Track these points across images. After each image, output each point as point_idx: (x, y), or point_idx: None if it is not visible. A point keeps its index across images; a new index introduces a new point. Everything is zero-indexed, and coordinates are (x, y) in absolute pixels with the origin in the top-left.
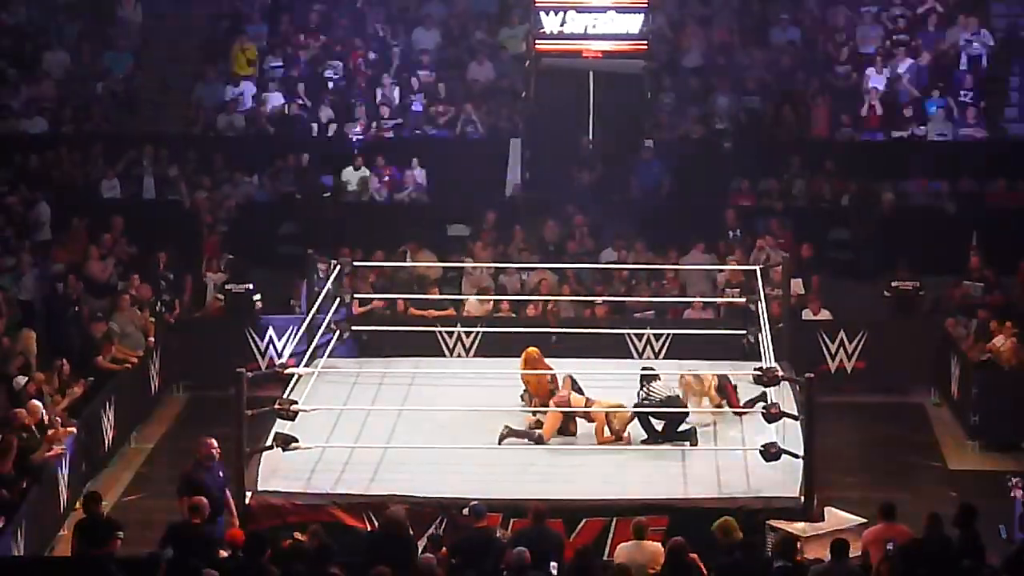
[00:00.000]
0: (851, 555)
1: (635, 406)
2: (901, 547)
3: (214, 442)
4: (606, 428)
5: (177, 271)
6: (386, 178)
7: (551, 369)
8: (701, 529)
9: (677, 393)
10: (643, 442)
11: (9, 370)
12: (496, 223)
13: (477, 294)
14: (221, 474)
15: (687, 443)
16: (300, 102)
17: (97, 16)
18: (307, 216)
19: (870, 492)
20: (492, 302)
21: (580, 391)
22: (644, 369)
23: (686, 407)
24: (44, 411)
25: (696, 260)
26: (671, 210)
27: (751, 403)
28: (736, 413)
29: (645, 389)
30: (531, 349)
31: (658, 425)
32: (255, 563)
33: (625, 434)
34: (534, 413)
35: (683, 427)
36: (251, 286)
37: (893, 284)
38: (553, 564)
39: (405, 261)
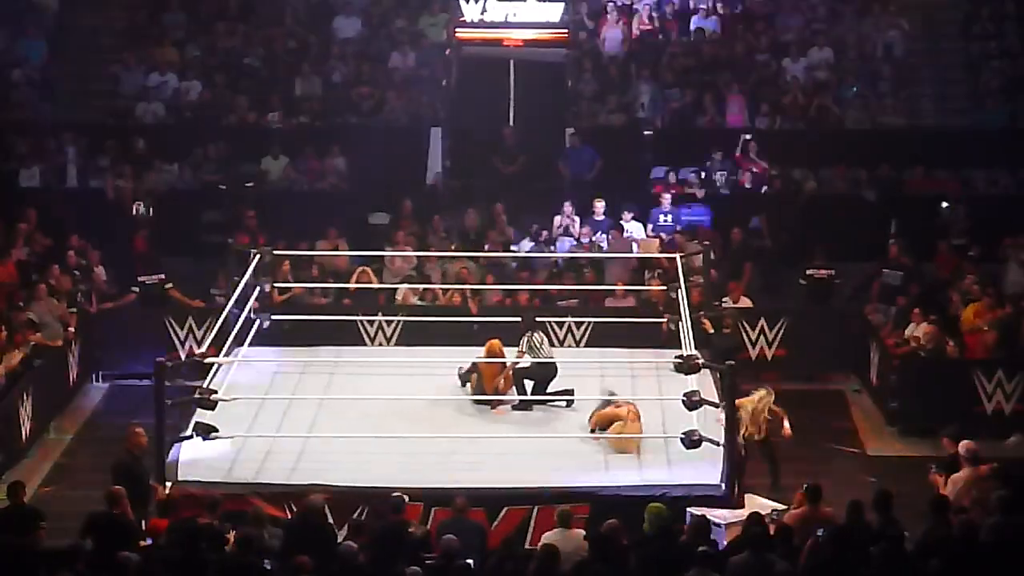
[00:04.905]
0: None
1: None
2: (830, 533)
3: (143, 431)
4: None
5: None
6: (306, 167)
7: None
8: (622, 517)
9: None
10: (514, 408)
11: None
12: (417, 212)
13: (402, 282)
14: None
15: (564, 403)
16: (220, 90)
17: (11, 2)
18: (230, 205)
19: (790, 478)
20: (421, 291)
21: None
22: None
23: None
24: None
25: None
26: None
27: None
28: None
29: (527, 340)
30: (494, 341)
31: (529, 386)
32: (182, 552)
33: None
34: (475, 401)
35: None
36: (163, 276)
37: (808, 272)
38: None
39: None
